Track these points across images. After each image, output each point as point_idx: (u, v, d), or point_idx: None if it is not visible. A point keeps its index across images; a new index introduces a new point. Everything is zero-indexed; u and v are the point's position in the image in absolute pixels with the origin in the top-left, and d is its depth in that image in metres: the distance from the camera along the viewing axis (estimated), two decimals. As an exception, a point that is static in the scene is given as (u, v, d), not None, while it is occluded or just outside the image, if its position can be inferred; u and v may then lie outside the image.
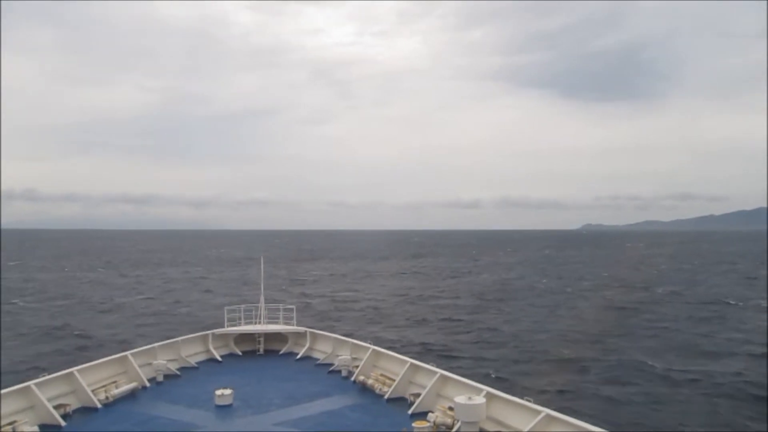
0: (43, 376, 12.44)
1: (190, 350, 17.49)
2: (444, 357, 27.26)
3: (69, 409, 12.37)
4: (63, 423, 11.69)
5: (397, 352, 15.74)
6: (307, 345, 18.34)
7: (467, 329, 35.98)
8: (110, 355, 15.06)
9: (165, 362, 15.63)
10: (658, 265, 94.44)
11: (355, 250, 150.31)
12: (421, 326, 37.15)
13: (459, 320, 39.09)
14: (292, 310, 20.34)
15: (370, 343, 16.17)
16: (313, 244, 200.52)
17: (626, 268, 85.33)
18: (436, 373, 12.96)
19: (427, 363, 13.88)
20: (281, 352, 18.54)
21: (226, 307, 20.21)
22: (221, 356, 17.99)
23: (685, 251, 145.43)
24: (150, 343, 16.52)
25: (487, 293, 54.90)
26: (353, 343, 16.90)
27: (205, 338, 18.30)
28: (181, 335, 17.89)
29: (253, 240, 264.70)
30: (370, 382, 14.40)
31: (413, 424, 11.19)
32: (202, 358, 17.69)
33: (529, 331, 35.04)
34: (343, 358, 16.04)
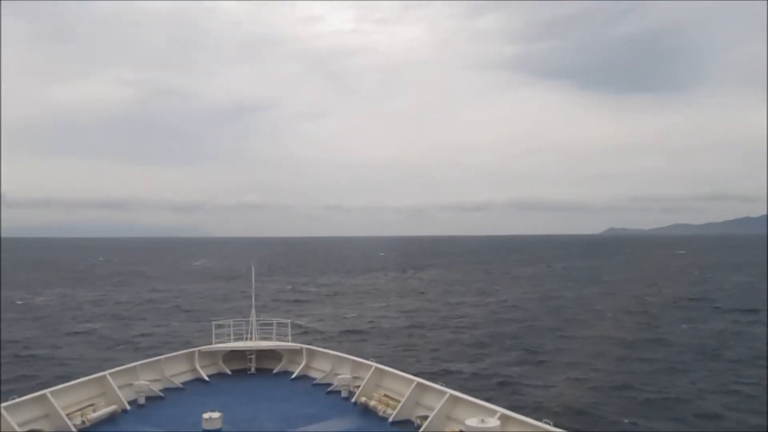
0: (14, 398, 12.50)
1: (175, 369, 17.56)
2: None
3: None
4: None
5: (403, 370, 15.56)
6: (304, 363, 18.47)
7: (511, 379, 27.51)
8: (87, 375, 14.99)
9: (147, 383, 15.73)
10: (725, 278, 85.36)
11: (352, 261, 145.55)
12: (450, 379, 28.61)
13: (498, 374, 30.51)
14: (286, 325, 20.24)
15: (372, 361, 16.30)
16: (306, 254, 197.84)
17: (688, 284, 76.42)
18: (445, 393, 13.05)
19: (436, 382, 13.99)
20: (275, 371, 18.73)
21: (213, 322, 19.99)
22: (209, 376, 18.07)
23: (742, 259, 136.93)
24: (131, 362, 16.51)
25: (521, 319, 47.01)
26: (354, 361, 17.05)
27: (190, 356, 18.36)
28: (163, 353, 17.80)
29: (242, 248, 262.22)
30: (372, 403, 14.52)
31: None
32: (187, 377, 17.75)
33: (621, 396, 26.37)
34: (343, 377, 16.19)
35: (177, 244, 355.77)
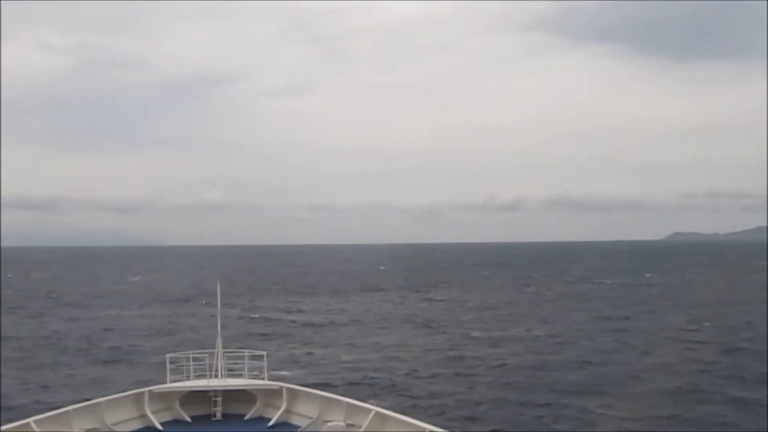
0: None
1: (119, 415, 17.88)
2: None
3: None
4: None
5: (410, 415, 16.70)
6: (284, 407, 18.85)
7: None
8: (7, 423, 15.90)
9: None
10: None
11: (344, 277, 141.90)
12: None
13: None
14: (261, 357, 20.56)
15: (371, 404, 18.10)
16: (282, 268, 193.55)
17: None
18: None
19: (453, 428, 15.80)
20: (247, 417, 19.13)
21: (168, 355, 20.33)
22: (162, 423, 18.33)
23: None
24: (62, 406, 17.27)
25: (580, 360, 42.60)
26: (348, 404, 17.66)
27: (139, 398, 18.78)
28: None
29: (199, 260, 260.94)
30: None
31: None
32: (135, 426, 18.13)
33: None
34: (334, 424, 16.95)
35: (116, 254, 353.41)
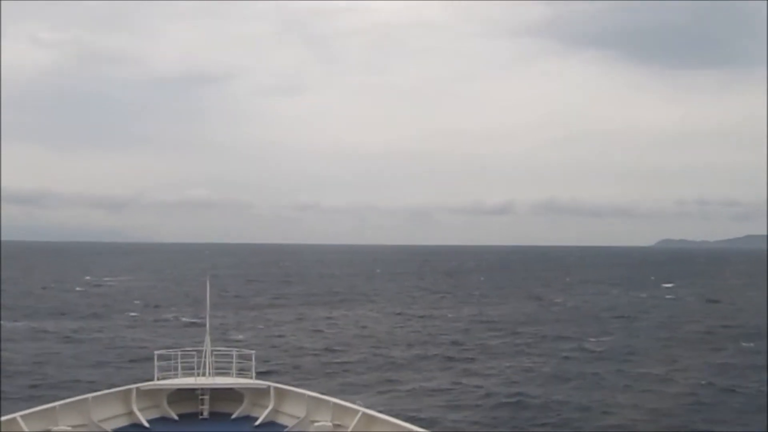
0: None
1: (106, 412, 18.07)
2: None
3: None
4: None
5: (398, 417, 16.68)
6: (271, 406, 19.17)
7: None
8: None
9: (69, 429, 16.52)
10: None
11: (333, 282, 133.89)
12: None
13: None
14: (250, 356, 20.87)
15: (359, 404, 18.23)
16: (268, 267, 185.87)
17: None
18: None
19: (443, 429, 17.06)
20: (234, 416, 19.36)
21: (156, 352, 20.55)
22: (149, 421, 18.59)
23: None
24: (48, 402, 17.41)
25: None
26: (336, 404, 17.98)
27: (126, 395, 19.01)
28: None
29: (178, 258, 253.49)
30: None
31: None
32: (122, 423, 18.35)
33: None
34: (321, 424, 17.23)
35: (94, 250, 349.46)
